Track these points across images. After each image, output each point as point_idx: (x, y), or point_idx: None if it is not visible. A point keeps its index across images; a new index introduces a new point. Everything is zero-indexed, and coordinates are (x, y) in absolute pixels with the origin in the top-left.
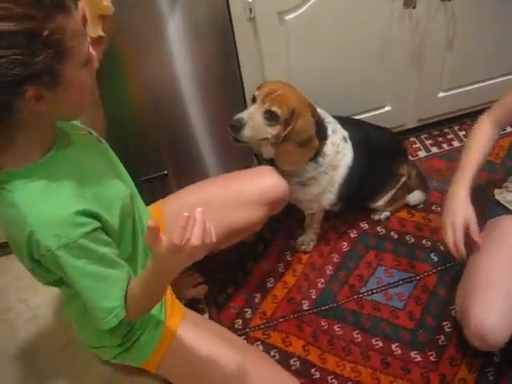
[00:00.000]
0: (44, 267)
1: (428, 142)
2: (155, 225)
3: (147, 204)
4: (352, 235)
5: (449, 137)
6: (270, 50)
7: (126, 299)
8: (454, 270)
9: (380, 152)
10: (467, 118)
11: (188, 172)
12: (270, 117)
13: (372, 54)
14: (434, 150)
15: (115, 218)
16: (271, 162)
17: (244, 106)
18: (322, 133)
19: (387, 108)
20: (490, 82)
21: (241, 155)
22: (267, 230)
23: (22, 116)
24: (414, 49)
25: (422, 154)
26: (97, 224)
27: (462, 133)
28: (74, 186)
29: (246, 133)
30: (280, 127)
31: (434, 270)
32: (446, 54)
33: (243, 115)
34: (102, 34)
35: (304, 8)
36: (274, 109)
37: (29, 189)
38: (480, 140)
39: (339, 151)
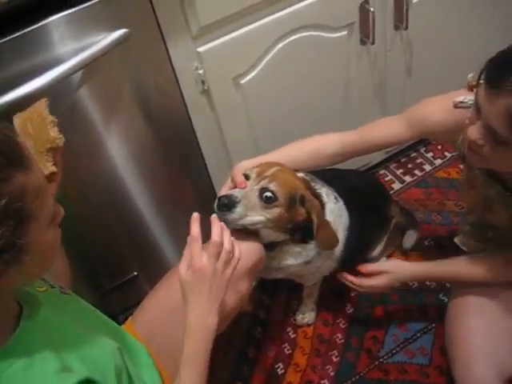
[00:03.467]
0: None
1: (399, 172)
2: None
3: (118, 314)
4: (352, 293)
5: (418, 161)
6: (229, 118)
7: None
8: None
9: (367, 199)
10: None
11: (158, 266)
12: (267, 198)
13: (334, 97)
14: (408, 178)
15: (111, 381)
16: (269, 247)
17: (210, 188)
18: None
19: None
20: None
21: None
22: (260, 310)
23: None
24: (375, 83)
25: (396, 186)
26: None
27: (429, 154)
28: (56, 357)
29: (238, 213)
30: (279, 210)
31: None
32: (406, 81)
33: (234, 192)
34: (54, 169)
35: (259, 67)
36: (271, 187)
37: (7, 377)
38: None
39: (336, 215)
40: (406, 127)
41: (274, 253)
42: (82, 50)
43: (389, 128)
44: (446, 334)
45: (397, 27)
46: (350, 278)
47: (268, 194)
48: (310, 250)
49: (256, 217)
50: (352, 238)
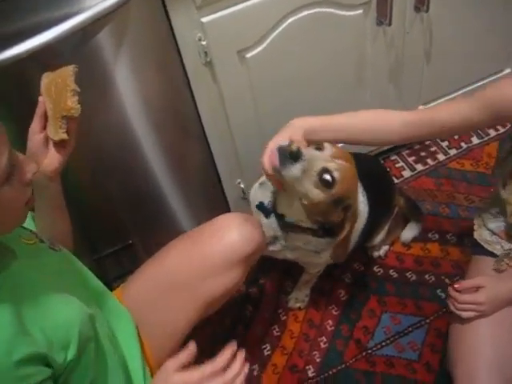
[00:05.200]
0: None
1: (411, 159)
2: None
3: (111, 281)
4: (347, 280)
5: (432, 149)
6: (232, 93)
7: None
8: None
9: (378, 186)
10: None
11: (155, 236)
12: (324, 180)
13: (347, 79)
14: (419, 167)
15: (70, 351)
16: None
17: (211, 160)
18: None
19: None
20: (468, 88)
21: (213, 207)
22: (253, 288)
23: None
24: (391, 66)
25: (406, 173)
26: (45, 374)
27: (444, 143)
28: (15, 321)
29: (298, 170)
30: (323, 197)
31: (444, 309)
32: (424, 67)
33: (304, 152)
34: (64, 137)
35: (266, 42)
36: (335, 174)
37: None
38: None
39: (361, 214)
40: (479, 109)
41: (288, 234)
42: (76, 13)
43: (456, 109)
44: (450, 335)
45: (417, 9)
46: (453, 292)
47: (328, 176)
48: (321, 243)
49: (304, 188)
50: (367, 227)
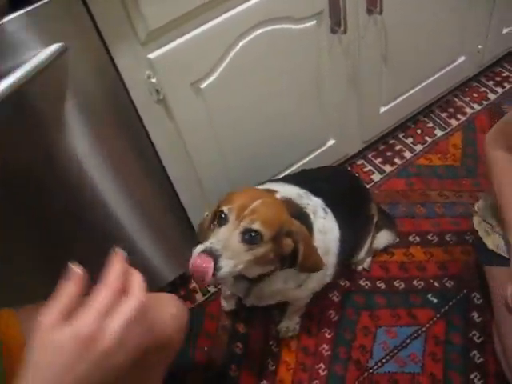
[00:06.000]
0: None
1: (378, 161)
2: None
3: None
4: (335, 299)
5: (397, 148)
6: (190, 127)
7: None
8: (458, 307)
9: (351, 200)
10: (410, 122)
11: None
12: (251, 238)
13: (305, 92)
14: (388, 168)
15: None
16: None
17: (180, 207)
18: (306, 226)
19: (330, 142)
20: (427, 82)
21: (184, 245)
22: (239, 323)
23: None
24: (349, 73)
25: (376, 177)
26: None
27: (409, 140)
28: None
29: (224, 268)
30: (264, 248)
31: (438, 315)
32: (383, 68)
33: (214, 244)
34: None
35: (220, 69)
36: (255, 227)
37: None
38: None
39: (326, 232)
40: None
41: (263, 283)
42: (9, 70)
43: None
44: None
45: (370, 12)
46: None
47: (252, 234)
48: (296, 275)
49: (242, 262)
50: (344, 247)
